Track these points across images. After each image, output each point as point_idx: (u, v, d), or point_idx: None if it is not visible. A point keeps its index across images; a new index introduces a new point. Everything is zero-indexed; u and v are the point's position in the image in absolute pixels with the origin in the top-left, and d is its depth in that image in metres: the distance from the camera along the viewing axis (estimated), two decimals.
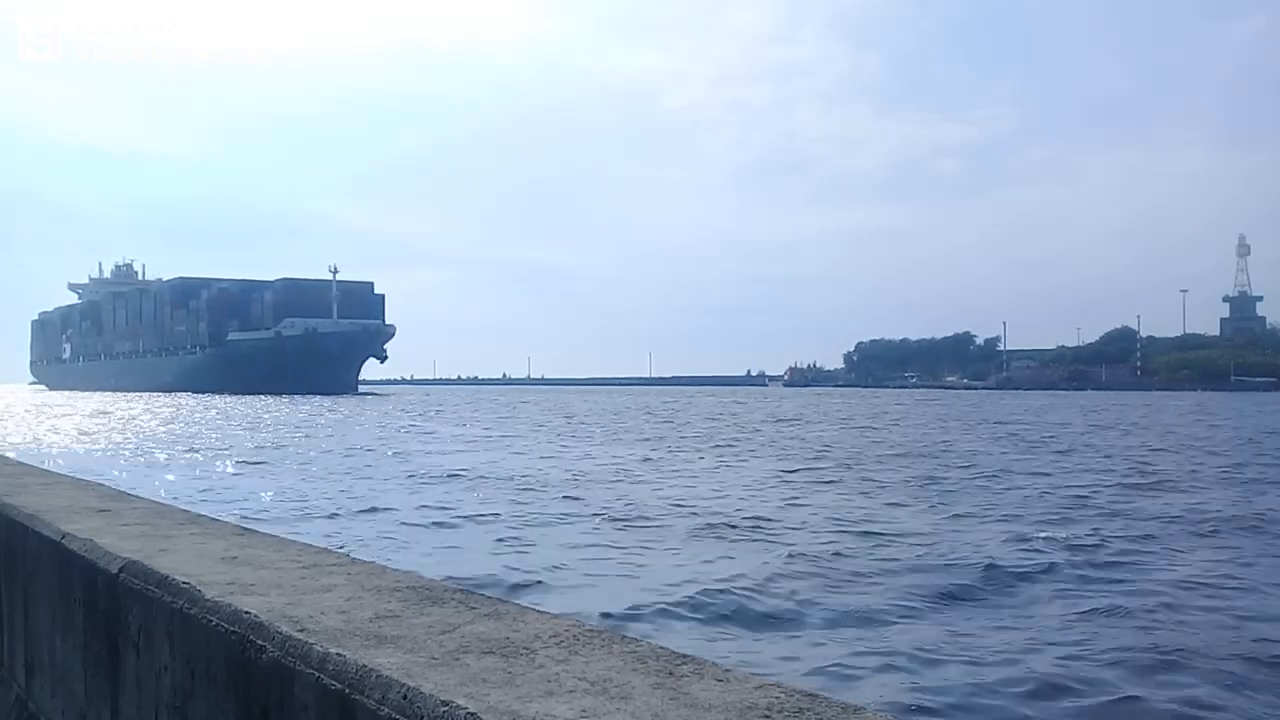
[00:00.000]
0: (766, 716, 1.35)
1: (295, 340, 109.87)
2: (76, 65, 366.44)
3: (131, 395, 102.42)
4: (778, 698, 1.41)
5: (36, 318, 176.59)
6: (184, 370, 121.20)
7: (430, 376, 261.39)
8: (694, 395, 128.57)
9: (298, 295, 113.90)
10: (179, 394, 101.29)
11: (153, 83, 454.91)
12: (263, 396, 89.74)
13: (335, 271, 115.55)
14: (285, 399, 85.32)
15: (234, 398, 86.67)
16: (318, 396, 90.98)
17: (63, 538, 3.19)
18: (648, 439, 35.19)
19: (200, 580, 2.29)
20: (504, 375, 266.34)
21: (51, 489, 4.57)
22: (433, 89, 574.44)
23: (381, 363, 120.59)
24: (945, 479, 20.06)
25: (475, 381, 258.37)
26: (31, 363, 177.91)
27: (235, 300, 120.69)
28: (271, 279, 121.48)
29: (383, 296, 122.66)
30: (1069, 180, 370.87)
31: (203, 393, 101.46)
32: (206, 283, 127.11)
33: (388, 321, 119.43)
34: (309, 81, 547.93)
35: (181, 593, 2.26)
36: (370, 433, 38.32)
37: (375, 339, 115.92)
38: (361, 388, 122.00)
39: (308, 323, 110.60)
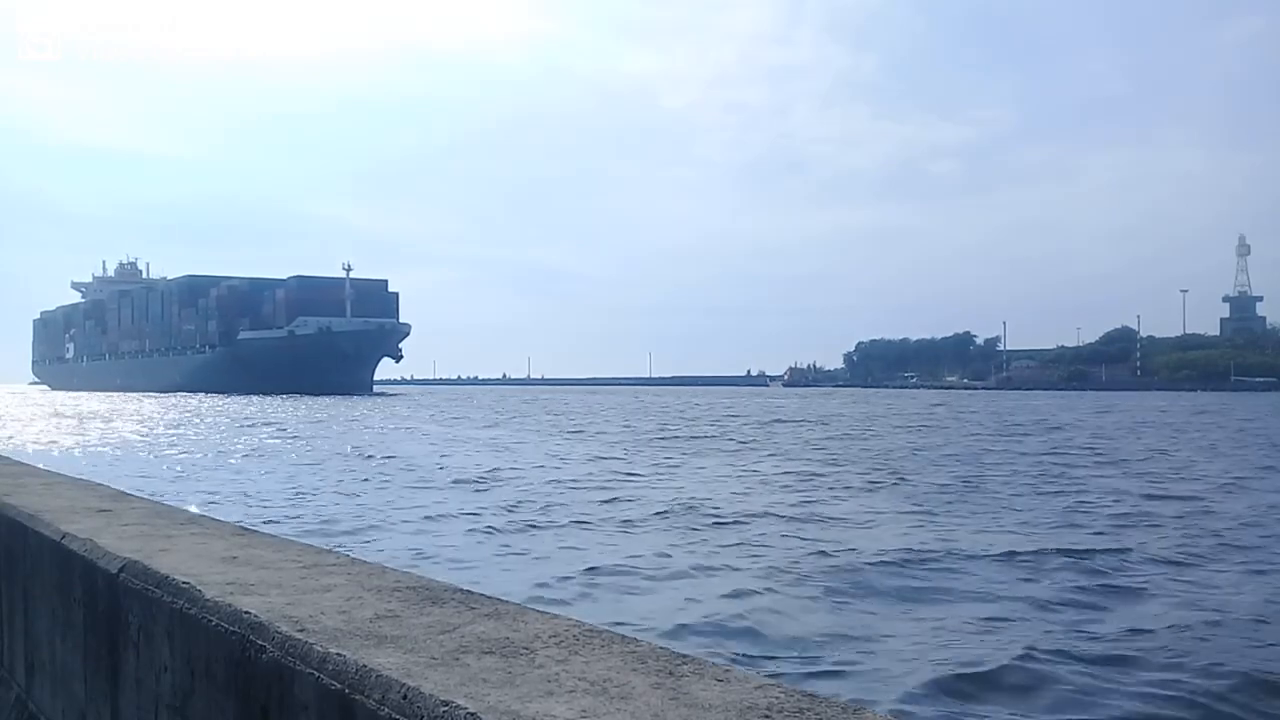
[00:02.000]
0: (766, 716, 1.35)
1: (309, 339, 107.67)
2: (76, 65, 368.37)
3: (148, 395, 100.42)
4: (777, 698, 1.41)
5: (39, 317, 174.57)
6: (193, 370, 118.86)
7: (430, 376, 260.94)
8: (726, 395, 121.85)
9: (310, 293, 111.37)
10: (199, 395, 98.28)
11: (153, 83, 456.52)
12: (278, 397, 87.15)
13: (349, 269, 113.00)
14: (307, 399, 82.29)
15: (258, 398, 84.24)
16: (335, 396, 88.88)
17: (63, 538, 3.19)
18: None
19: (200, 580, 2.29)
20: (504, 375, 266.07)
21: (51, 489, 4.57)
22: (432, 89, 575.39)
23: (397, 362, 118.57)
24: None
25: (475, 381, 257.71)
26: (34, 362, 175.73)
27: (246, 298, 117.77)
28: (283, 277, 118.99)
29: (397, 295, 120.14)
30: (1068, 180, 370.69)
31: (212, 393, 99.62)
32: (216, 281, 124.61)
33: (401, 320, 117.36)
34: (308, 82, 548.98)
35: (181, 593, 2.26)
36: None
37: (390, 338, 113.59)
38: (374, 388, 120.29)
39: (321, 321, 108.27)
